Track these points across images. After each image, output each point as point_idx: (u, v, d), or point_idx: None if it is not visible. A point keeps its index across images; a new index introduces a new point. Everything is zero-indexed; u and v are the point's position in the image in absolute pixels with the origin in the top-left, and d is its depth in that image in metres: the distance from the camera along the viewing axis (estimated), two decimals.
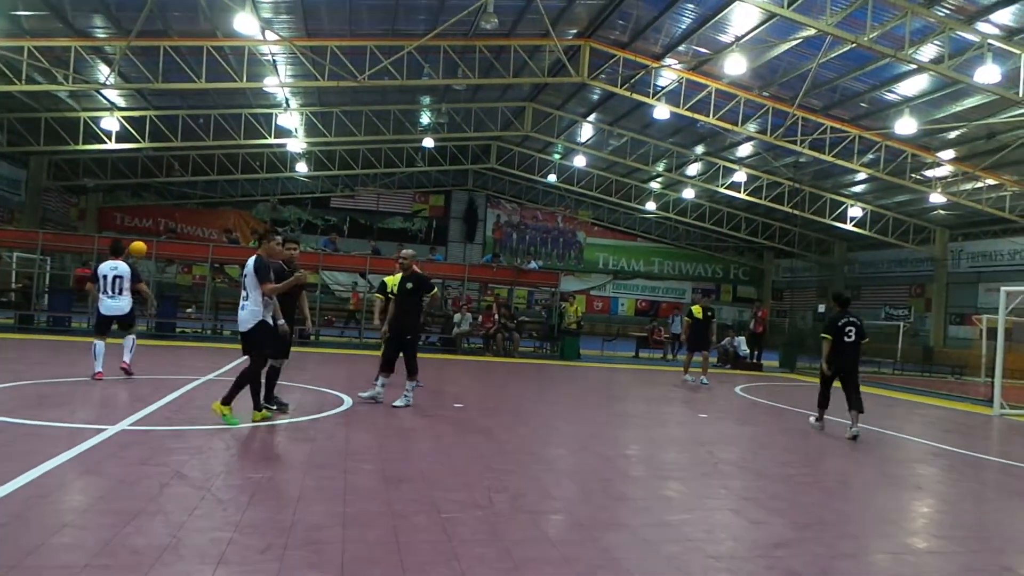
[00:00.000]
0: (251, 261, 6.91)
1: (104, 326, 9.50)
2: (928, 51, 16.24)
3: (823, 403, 9.49)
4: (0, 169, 27.90)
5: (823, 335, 9.37)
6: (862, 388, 9.20)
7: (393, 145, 30.93)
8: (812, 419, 9.70)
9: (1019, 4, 14.23)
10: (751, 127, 22.67)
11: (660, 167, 30.34)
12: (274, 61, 20.71)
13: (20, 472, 4.58)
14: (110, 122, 24.54)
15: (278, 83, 21.94)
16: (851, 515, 5.37)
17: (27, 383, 8.51)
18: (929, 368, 25.64)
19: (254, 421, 6.86)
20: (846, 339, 9.16)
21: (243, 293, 6.88)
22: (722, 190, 30.39)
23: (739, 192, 30.12)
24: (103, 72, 20.46)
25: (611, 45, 20.52)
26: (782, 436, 9.04)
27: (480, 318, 19.64)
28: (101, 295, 9.39)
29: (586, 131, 28.66)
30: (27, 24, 18.09)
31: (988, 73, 15.03)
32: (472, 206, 39.02)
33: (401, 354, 8.65)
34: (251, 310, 6.80)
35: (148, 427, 6.45)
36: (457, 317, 19.00)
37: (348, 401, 8.66)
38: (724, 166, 28.85)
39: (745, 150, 27.17)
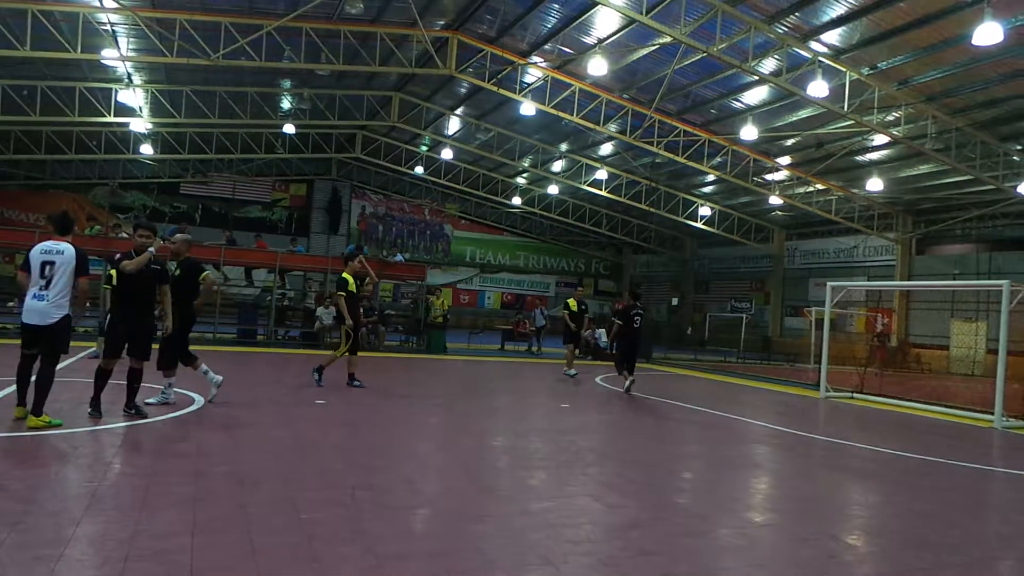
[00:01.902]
0: (72, 249, 6.35)
1: None
2: (769, 64, 17.63)
3: (622, 368, 12.42)
4: None
5: (615, 320, 12.77)
6: (708, 375, 9.93)
7: (251, 130, 29.38)
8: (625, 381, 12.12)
9: (845, 27, 15.79)
10: (612, 127, 23.63)
11: (526, 163, 30.90)
12: (114, 32, 18.98)
13: None
14: None
15: (118, 56, 20.15)
16: (698, 494, 5.74)
17: None
18: (767, 356, 27.98)
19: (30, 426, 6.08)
20: (635, 324, 12.41)
21: (42, 282, 6.19)
22: (585, 187, 31.49)
23: (600, 189, 31.34)
24: None
25: (479, 40, 20.60)
26: (637, 423, 9.52)
27: None
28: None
29: (454, 124, 28.60)
30: None
31: (818, 88, 16.56)
32: (336, 196, 37.87)
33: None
34: (57, 303, 6.22)
35: None
36: (320, 311, 18.38)
37: (199, 400, 8.15)
38: (587, 164, 29.88)
39: (606, 149, 28.28)
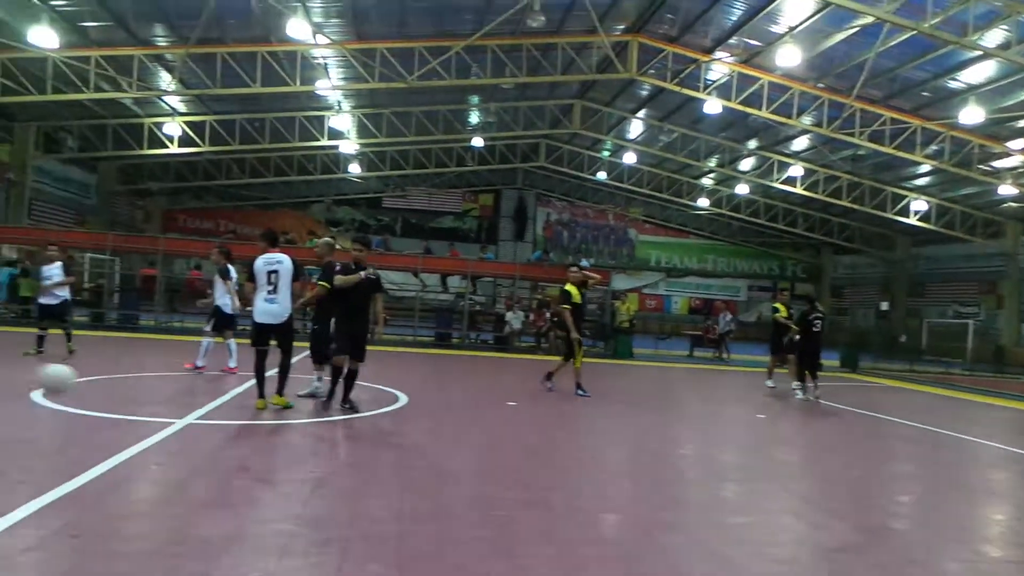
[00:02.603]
0: (289, 258, 7.36)
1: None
2: (994, 36, 15.53)
3: (802, 377, 11.72)
4: (72, 174, 29.21)
5: (795, 325, 12.02)
6: (926, 388, 8.95)
7: (443, 145, 31.19)
8: (796, 390, 11.68)
9: None
10: (806, 120, 22.07)
11: (712, 163, 29.81)
12: (326, 64, 21.11)
13: (97, 462, 4.78)
14: (172, 127, 25.42)
15: (330, 86, 22.36)
16: (918, 520, 5.19)
17: (101, 378, 8.88)
18: (1001, 368, 24.54)
19: (259, 408, 7.18)
20: (814, 329, 11.64)
21: (270, 287, 7.20)
22: (777, 185, 29.67)
23: (795, 187, 29.36)
24: (165, 79, 21.20)
25: (660, 40, 20.26)
26: (844, 438, 8.79)
27: (531, 316, 19.65)
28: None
29: (636, 127, 28.36)
30: (93, 34, 18.87)
31: None
32: (522, 205, 39.08)
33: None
34: (284, 304, 7.23)
35: (214, 421, 6.67)
36: (509, 315, 19.06)
37: (403, 398, 8.78)
38: (779, 160, 28.18)
39: (800, 144, 26.49)
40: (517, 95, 25.90)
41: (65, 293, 11.25)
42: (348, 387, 7.57)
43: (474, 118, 28.56)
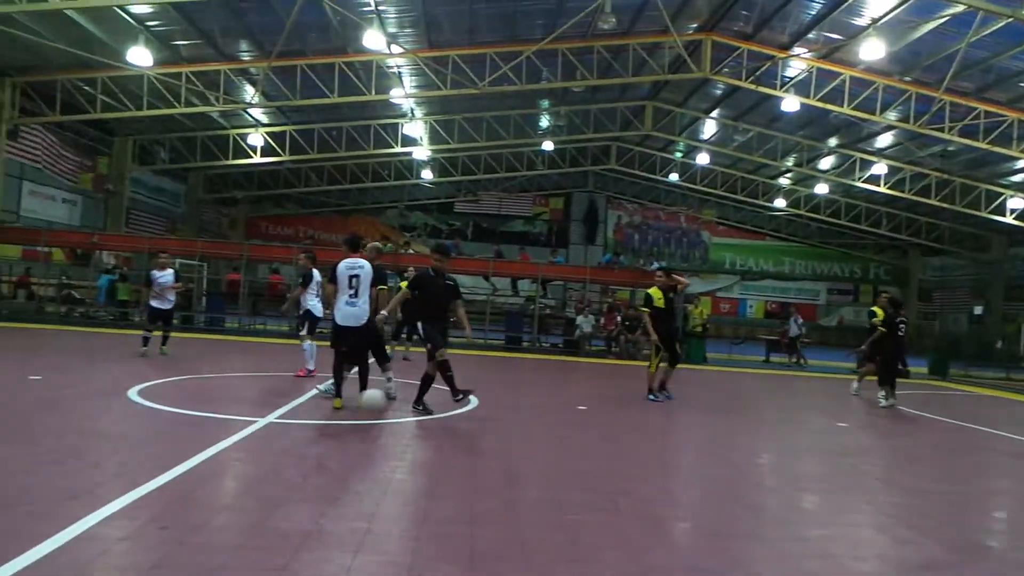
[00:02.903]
0: (370, 264, 7.64)
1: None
2: None
3: (890, 383, 11.21)
4: (164, 184, 30.89)
5: (881, 328, 11.41)
6: None
7: (513, 149, 31.36)
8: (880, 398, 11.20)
9: None
10: (891, 115, 21.09)
11: (789, 162, 28.88)
12: (400, 73, 21.60)
13: (185, 458, 5.04)
14: (255, 138, 26.53)
15: (404, 94, 22.85)
16: (1016, 539, 4.87)
17: (188, 378, 9.35)
18: None
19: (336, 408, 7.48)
20: (899, 332, 11.29)
21: (351, 292, 7.47)
22: (859, 184, 28.45)
23: (878, 185, 28.09)
24: (249, 92, 22.15)
25: (734, 37, 19.79)
26: (932, 449, 8.36)
27: (602, 320, 19.51)
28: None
29: (709, 127, 27.78)
30: (184, 52, 19.91)
31: None
32: (592, 208, 38.87)
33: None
34: (364, 307, 7.53)
35: (292, 420, 6.91)
36: (579, 319, 18.98)
37: (474, 400, 8.87)
38: (861, 158, 27.03)
39: (885, 140, 25.32)
40: (588, 98, 25.80)
41: (173, 298, 11.99)
42: (423, 390, 7.70)
43: (544, 122, 28.61)
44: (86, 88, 21.39)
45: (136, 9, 17.06)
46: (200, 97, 21.88)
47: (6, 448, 5.20)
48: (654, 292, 10.04)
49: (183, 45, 19.50)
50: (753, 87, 20.83)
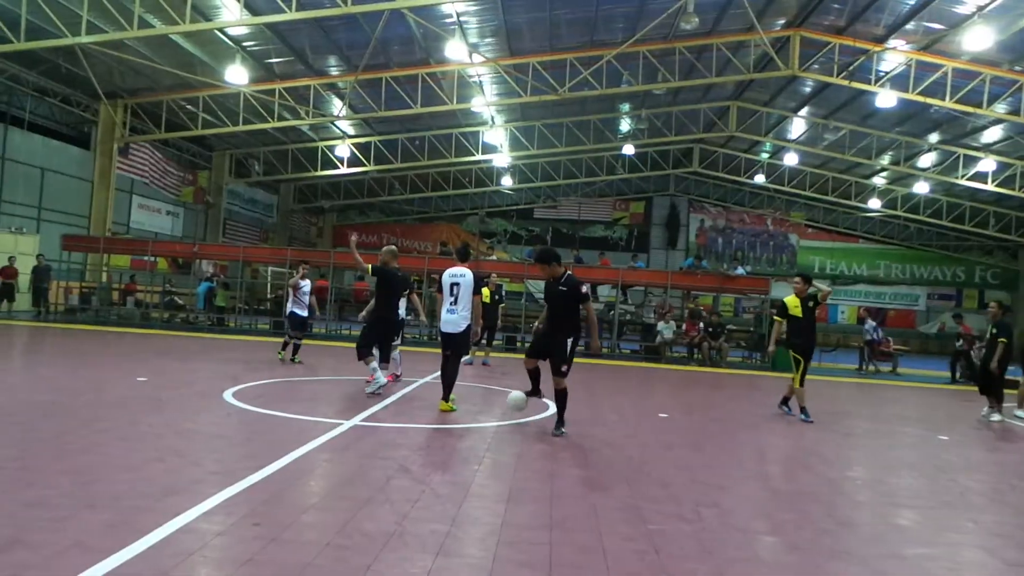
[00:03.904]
0: (471, 273, 7.90)
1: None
2: None
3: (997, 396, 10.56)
4: (257, 195, 32.45)
5: (1001, 339, 10.56)
6: None
7: (593, 154, 31.22)
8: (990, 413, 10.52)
9: None
10: (999, 107, 19.76)
11: (885, 160, 27.49)
12: (480, 82, 21.90)
13: (276, 457, 5.27)
14: (342, 149, 27.51)
15: (484, 102, 23.16)
16: None
17: (278, 380, 9.77)
18: None
19: (441, 410, 7.81)
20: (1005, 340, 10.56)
21: (452, 299, 7.78)
22: (963, 182, 26.77)
23: (985, 183, 26.34)
24: (336, 105, 23.00)
25: (825, 32, 19.04)
26: None
27: (684, 326, 19.09)
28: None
29: (797, 126, 26.80)
30: (277, 69, 20.89)
31: None
32: (674, 211, 38.15)
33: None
34: (463, 315, 7.81)
35: (376, 423, 7.11)
36: (660, 325, 18.65)
37: (553, 407, 8.86)
38: (965, 154, 25.43)
39: (992, 135, 23.73)
40: (669, 100, 25.41)
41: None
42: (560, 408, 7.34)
43: (625, 126, 28.37)
44: (188, 107, 22.77)
45: (234, 31, 18.06)
46: (291, 111, 22.89)
47: (117, 445, 5.58)
48: (790, 300, 9.54)
49: (276, 63, 20.46)
50: (845, 83, 19.97)
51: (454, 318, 7.78)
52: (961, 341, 18.23)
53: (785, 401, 9.78)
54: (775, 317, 9.81)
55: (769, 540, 4.40)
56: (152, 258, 23.09)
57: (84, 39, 16.26)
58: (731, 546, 4.14)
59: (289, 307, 12.49)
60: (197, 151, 28.00)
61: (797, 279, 9.82)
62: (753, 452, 7.40)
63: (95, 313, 20.58)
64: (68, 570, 3.07)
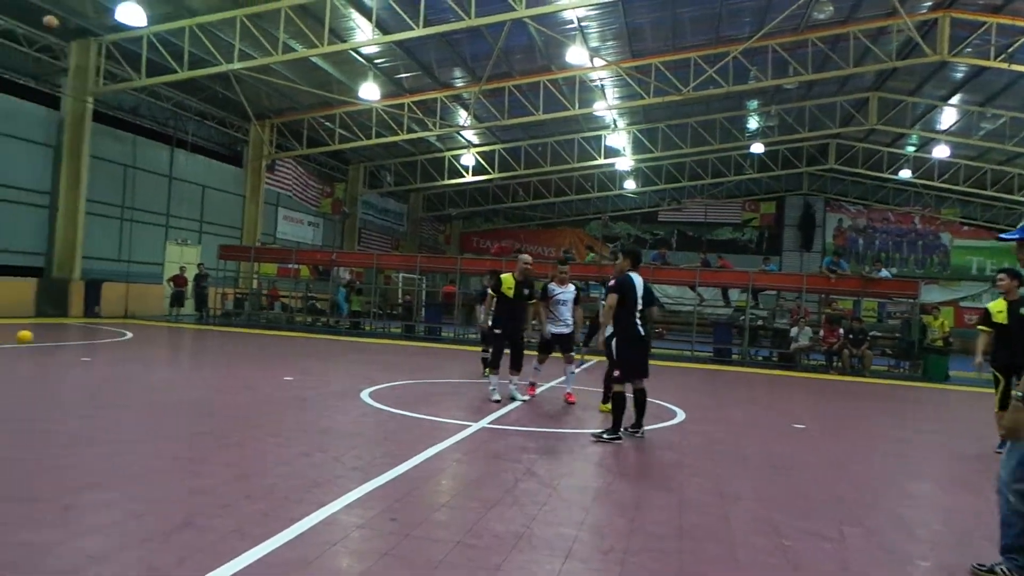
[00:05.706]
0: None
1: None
2: None
3: None
4: (389, 205, 34.02)
5: None
6: None
7: (720, 154, 30.24)
8: None
9: None
10: None
11: None
12: (602, 86, 21.83)
13: (410, 456, 5.51)
14: (468, 158, 28.31)
15: (606, 106, 23.05)
16: None
17: (410, 382, 10.18)
18: None
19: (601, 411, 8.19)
20: None
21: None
22: None
23: None
24: (462, 116, 23.71)
25: (979, 12, 17.44)
26: None
27: (821, 332, 18.03)
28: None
29: (948, 116, 24.67)
30: (406, 84, 21.84)
31: None
32: (808, 211, 36.17)
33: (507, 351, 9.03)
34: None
35: (505, 426, 7.25)
36: (794, 331, 17.73)
37: (681, 414, 8.67)
38: None
39: None
40: (801, 94, 24.18)
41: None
42: (640, 412, 7.22)
43: (753, 123, 27.26)
44: (326, 123, 24.28)
45: (366, 50, 19.08)
46: (419, 123, 23.84)
47: (269, 441, 6.05)
48: (994, 305, 7.68)
49: (405, 77, 21.41)
50: (1005, 66, 18.17)
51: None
52: None
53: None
54: (979, 327, 8.03)
55: (924, 565, 4.08)
56: (296, 265, 24.76)
57: (236, 65, 17.75)
58: (879, 568, 3.88)
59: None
60: (334, 165, 29.79)
61: (1002, 276, 7.61)
62: (902, 467, 6.88)
63: (247, 317, 22.36)
64: (228, 554, 3.36)
